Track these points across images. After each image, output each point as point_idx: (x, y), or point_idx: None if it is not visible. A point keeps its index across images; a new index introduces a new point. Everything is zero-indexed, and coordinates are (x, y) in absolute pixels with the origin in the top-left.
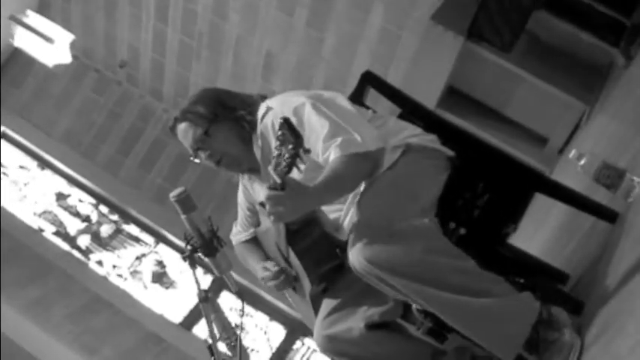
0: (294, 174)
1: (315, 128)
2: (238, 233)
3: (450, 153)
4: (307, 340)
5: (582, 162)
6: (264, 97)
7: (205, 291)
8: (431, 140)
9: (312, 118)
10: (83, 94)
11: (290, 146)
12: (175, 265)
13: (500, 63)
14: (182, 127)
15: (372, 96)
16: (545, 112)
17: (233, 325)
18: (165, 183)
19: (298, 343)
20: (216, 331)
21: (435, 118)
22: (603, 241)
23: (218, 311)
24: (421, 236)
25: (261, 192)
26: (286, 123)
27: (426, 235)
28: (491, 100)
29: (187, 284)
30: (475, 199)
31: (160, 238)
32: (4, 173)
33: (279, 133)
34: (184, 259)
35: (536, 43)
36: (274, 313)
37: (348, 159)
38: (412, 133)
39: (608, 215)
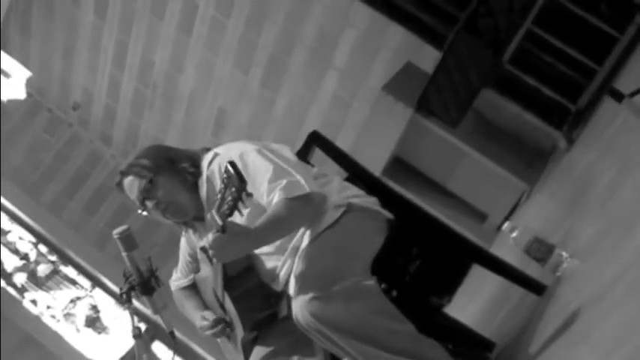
0: (237, 217)
1: (260, 171)
2: (178, 279)
3: (389, 216)
4: None
5: (514, 234)
6: (207, 149)
7: (139, 328)
8: (372, 202)
9: (257, 162)
10: (34, 132)
11: (233, 189)
12: (109, 310)
13: (446, 137)
14: (128, 180)
15: (319, 158)
16: (486, 189)
17: None
18: (107, 228)
19: None
20: None
21: (376, 181)
22: (530, 312)
23: (149, 352)
24: (365, 296)
25: (203, 238)
26: (232, 166)
27: (370, 295)
28: (435, 173)
29: (120, 331)
30: (408, 263)
31: (96, 283)
32: None
33: (225, 176)
34: (121, 295)
35: (483, 122)
36: None
37: (291, 202)
38: (354, 194)
39: (536, 287)
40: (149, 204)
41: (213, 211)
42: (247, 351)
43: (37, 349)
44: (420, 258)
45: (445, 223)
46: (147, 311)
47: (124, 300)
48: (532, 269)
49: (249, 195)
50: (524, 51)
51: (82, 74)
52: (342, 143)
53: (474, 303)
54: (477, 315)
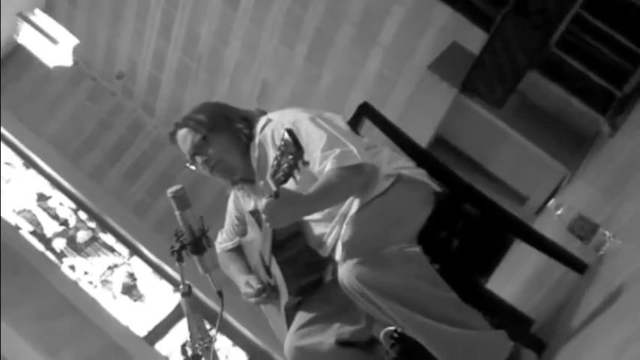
0: (290, 184)
1: (313, 139)
2: (223, 241)
3: (437, 188)
4: None
5: (559, 212)
6: (263, 112)
7: (189, 285)
8: (421, 174)
9: (310, 130)
10: (77, 99)
11: (290, 157)
12: (146, 279)
13: (490, 118)
14: (182, 132)
15: (365, 131)
16: (527, 172)
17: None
18: (147, 197)
19: None
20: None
21: (424, 154)
22: (570, 290)
23: (196, 312)
24: (410, 262)
25: (252, 201)
26: (289, 134)
27: (415, 262)
28: (477, 153)
29: (156, 299)
30: (452, 237)
31: (134, 251)
32: None
33: (281, 142)
34: (172, 253)
35: (527, 104)
36: (238, 339)
37: (343, 171)
38: (404, 165)
39: (578, 266)
40: (199, 159)
41: (268, 177)
42: (290, 316)
43: (73, 314)
44: (464, 232)
45: (491, 198)
46: None
47: (175, 258)
48: (574, 248)
49: (306, 163)
50: (571, 34)
51: (128, 44)
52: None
53: (513, 280)
54: (516, 292)
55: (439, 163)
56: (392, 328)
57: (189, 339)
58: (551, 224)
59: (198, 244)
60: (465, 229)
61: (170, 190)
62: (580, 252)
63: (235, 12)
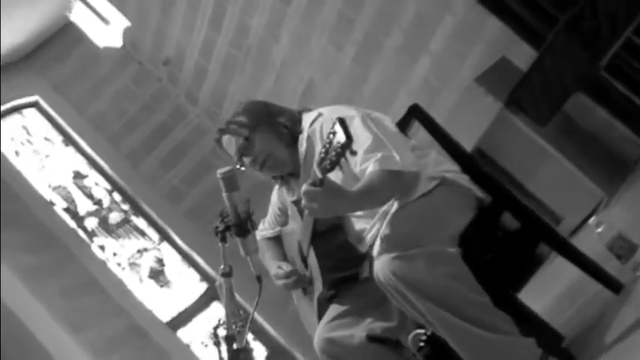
0: (335, 175)
1: (359, 139)
2: (264, 230)
3: (480, 194)
4: None
5: (600, 229)
6: (308, 110)
7: (230, 267)
8: (465, 179)
9: (358, 129)
10: (122, 82)
11: (339, 144)
12: (174, 265)
13: (532, 136)
14: (226, 137)
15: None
16: (564, 193)
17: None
18: (182, 185)
19: None
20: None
21: (470, 160)
22: (603, 309)
23: (232, 295)
24: (448, 262)
25: (296, 194)
26: (341, 123)
27: (452, 263)
28: (515, 169)
29: (182, 287)
30: (490, 245)
31: (164, 237)
32: (29, 141)
33: (332, 130)
34: (216, 233)
35: (570, 124)
36: (260, 334)
37: (386, 174)
38: (449, 169)
39: (613, 284)
40: (247, 160)
41: (315, 165)
42: (322, 308)
43: (98, 293)
44: (501, 242)
45: (533, 209)
46: None
47: (218, 238)
48: (610, 267)
49: (354, 153)
50: (620, 59)
51: (177, 31)
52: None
53: (544, 295)
54: (546, 307)
55: (484, 170)
56: (420, 331)
57: (223, 320)
58: (589, 242)
59: (242, 226)
60: (503, 238)
61: (220, 171)
62: (616, 271)
63: (287, 7)
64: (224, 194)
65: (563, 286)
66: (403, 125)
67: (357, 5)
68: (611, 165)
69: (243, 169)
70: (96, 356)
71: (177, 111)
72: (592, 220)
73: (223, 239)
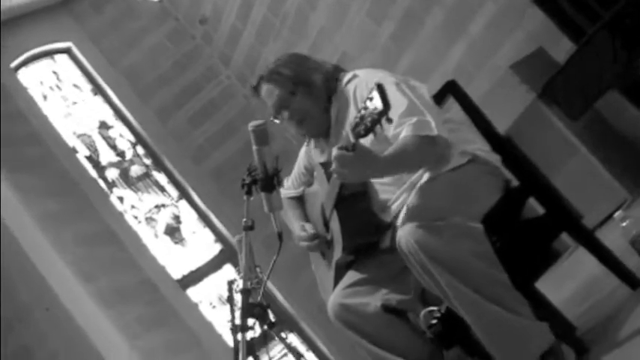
0: (368, 140)
1: (394, 104)
2: (288, 189)
3: (509, 177)
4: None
5: (624, 224)
6: (342, 70)
7: (253, 221)
8: (495, 159)
9: (393, 94)
10: (157, 37)
11: (375, 111)
12: (190, 224)
13: (562, 129)
14: (268, 87)
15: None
16: (588, 190)
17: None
18: (207, 145)
19: None
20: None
21: (503, 142)
22: (619, 305)
23: (251, 250)
24: (471, 237)
25: (325, 155)
26: (379, 89)
27: (476, 238)
28: (541, 161)
29: (196, 246)
30: (513, 228)
31: (183, 195)
32: (58, 87)
33: (369, 96)
34: (243, 186)
35: (600, 121)
36: (268, 300)
37: (419, 140)
38: (481, 147)
39: (632, 281)
40: (285, 114)
41: (348, 129)
42: (339, 273)
43: (113, 244)
44: (524, 226)
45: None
46: None
47: (244, 191)
48: (631, 263)
49: (390, 120)
50: None
51: None
52: (458, 113)
53: (561, 288)
54: (562, 299)
55: (516, 152)
56: (433, 308)
57: (240, 274)
58: (611, 236)
59: (269, 181)
60: (525, 223)
61: (252, 124)
62: (636, 268)
63: None
64: (254, 148)
65: (579, 281)
66: (438, 99)
67: None
68: (639, 166)
69: (277, 121)
70: (104, 306)
71: (208, 71)
72: (617, 214)
73: (249, 192)
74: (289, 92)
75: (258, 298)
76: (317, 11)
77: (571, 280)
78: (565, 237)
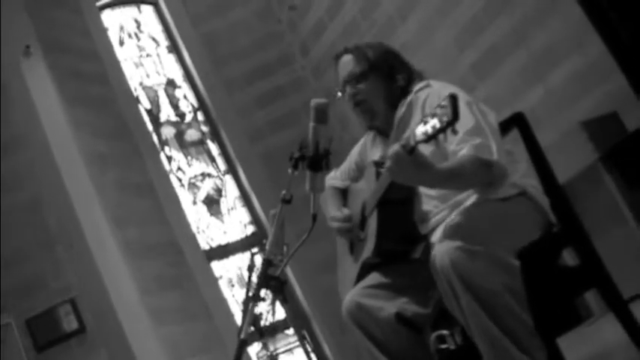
0: (426, 147)
1: (461, 120)
2: (334, 178)
3: (553, 220)
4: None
5: None
6: (423, 77)
7: (291, 195)
8: (544, 200)
9: (463, 110)
10: (245, 11)
11: (445, 119)
12: (230, 200)
13: (617, 196)
14: (347, 57)
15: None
16: (627, 263)
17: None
18: (265, 127)
19: None
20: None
21: (556, 186)
22: None
23: (283, 225)
24: (507, 271)
25: (379, 153)
26: (452, 99)
27: (512, 274)
28: (587, 221)
29: (230, 223)
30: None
31: (231, 169)
32: (136, 35)
33: (442, 104)
34: (290, 159)
35: None
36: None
37: (478, 162)
38: (534, 184)
39: None
40: (349, 90)
41: (412, 131)
42: (363, 272)
43: (151, 199)
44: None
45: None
46: None
47: (290, 164)
48: None
49: (455, 132)
50: None
51: None
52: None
53: (581, 349)
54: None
55: (566, 202)
56: (445, 332)
57: (267, 246)
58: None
59: (318, 161)
60: (559, 270)
61: (315, 100)
62: None
63: None
64: (310, 124)
65: (599, 346)
66: (503, 129)
67: (494, 15)
68: None
69: (339, 95)
70: (127, 255)
71: (285, 57)
72: None
73: (295, 167)
74: (362, 71)
75: (278, 272)
76: (406, 24)
77: (589, 346)
78: (592, 303)
